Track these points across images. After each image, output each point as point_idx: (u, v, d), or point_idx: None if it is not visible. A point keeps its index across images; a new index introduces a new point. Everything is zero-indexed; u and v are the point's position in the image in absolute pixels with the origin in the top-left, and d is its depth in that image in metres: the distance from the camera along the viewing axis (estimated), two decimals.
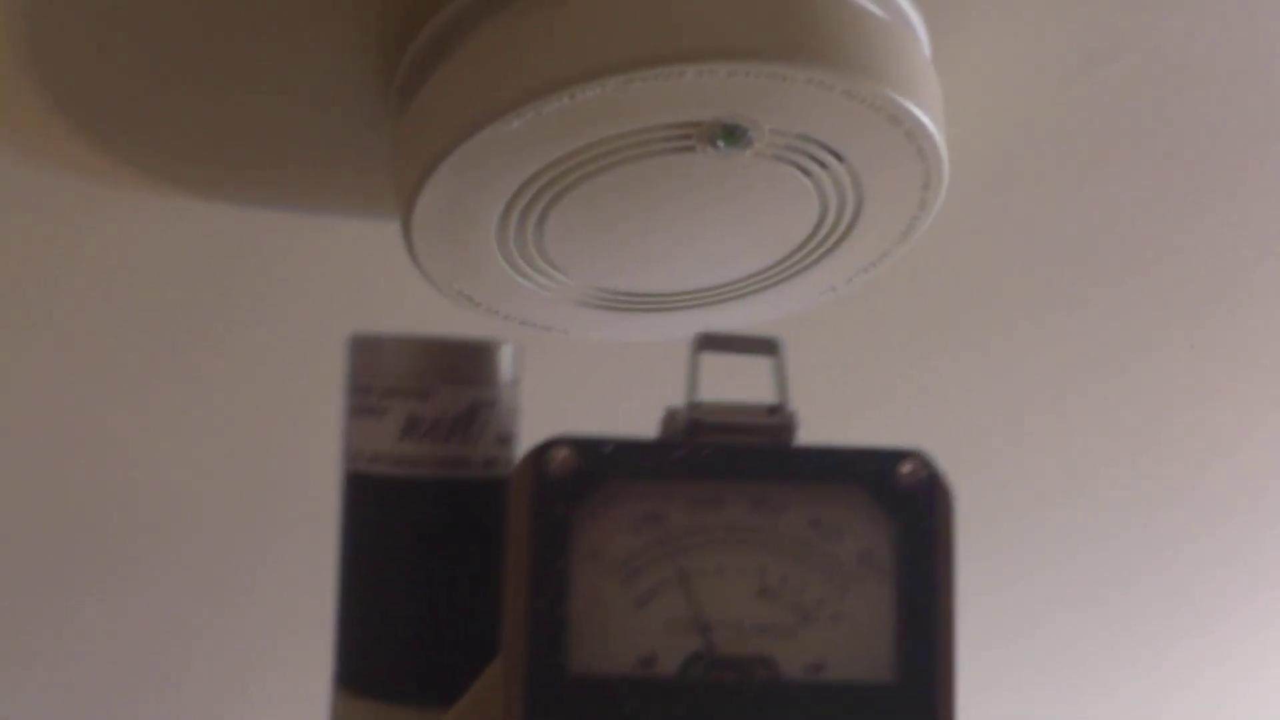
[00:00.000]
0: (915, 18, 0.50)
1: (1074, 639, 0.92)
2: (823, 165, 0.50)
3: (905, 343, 0.70)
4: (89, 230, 0.61)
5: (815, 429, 0.45)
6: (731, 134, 0.47)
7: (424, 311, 0.55)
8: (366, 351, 0.45)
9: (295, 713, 0.84)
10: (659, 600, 0.42)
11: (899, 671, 0.41)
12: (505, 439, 0.46)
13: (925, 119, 0.47)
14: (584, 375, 0.68)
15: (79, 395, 0.68)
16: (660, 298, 0.58)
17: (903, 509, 0.42)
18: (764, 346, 0.46)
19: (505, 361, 0.46)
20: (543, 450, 0.41)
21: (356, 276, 0.65)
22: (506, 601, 0.41)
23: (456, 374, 0.45)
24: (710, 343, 0.46)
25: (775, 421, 0.43)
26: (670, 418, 0.44)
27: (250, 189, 0.60)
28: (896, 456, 0.42)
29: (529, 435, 0.45)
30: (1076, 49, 0.56)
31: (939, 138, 0.48)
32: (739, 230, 0.54)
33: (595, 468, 0.41)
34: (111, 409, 0.69)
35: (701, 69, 0.44)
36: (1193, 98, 0.59)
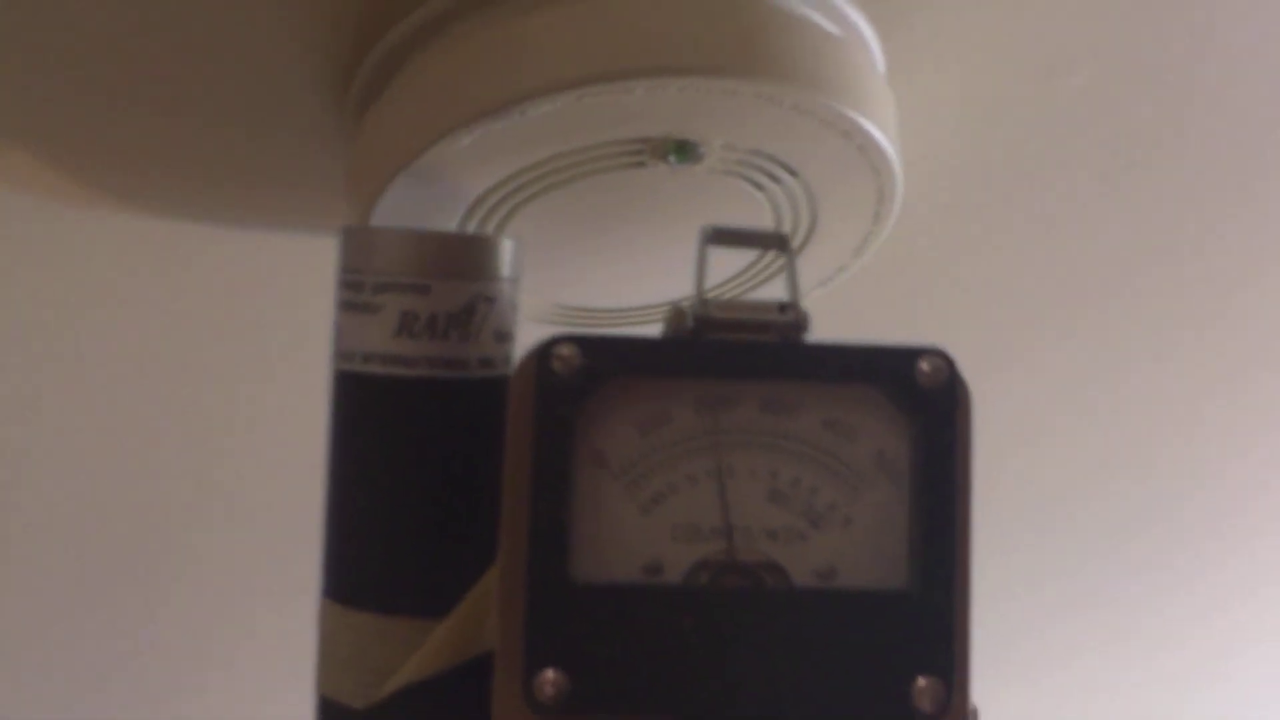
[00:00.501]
0: (869, 33, 0.50)
1: (1076, 639, 0.93)
2: (775, 180, 0.50)
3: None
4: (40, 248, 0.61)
5: None
6: (683, 149, 0.48)
7: None
8: (359, 243, 0.43)
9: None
10: (665, 505, 0.40)
11: (913, 579, 0.40)
12: (504, 337, 0.44)
13: (877, 133, 0.47)
14: None
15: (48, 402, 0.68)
16: (617, 313, 0.58)
17: (920, 410, 0.40)
18: (774, 241, 0.44)
19: (506, 255, 0.44)
20: (546, 348, 0.40)
21: (311, 290, 0.64)
22: (505, 507, 0.40)
23: (455, 268, 0.43)
24: (719, 236, 0.44)
25: (786, 319, 0.42)
26: (676, 315, 0.42)
27: (205, 207, 0.60)
28: (915, 354, 0.40)
29: None
30: (1034, 61, 0.55)
31: (892, 152, 0.48)
32: (693, 245, 0.53)
33: (601, 366, 0.40)
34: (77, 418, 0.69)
35: (651, 85, 0.44)
36: (1151, 108, 0.59)
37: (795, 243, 0.53)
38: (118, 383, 0.67)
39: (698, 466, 0.40)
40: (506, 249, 0.44)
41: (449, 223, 0.50)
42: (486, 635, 0.42)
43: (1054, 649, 0.92)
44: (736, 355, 0.40)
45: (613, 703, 0.39)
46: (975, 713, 0.42)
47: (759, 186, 0.50)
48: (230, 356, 0.67)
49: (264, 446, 0.72)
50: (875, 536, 0.40)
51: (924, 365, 0.40)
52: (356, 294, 0.43)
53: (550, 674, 0.39)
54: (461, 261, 0.43)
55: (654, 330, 0.57)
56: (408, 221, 0.49)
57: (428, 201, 0.48)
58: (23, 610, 0.77)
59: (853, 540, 0.40)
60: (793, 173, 0.50)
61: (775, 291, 0.55)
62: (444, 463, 0.43)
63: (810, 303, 0.53)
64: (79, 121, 0.53)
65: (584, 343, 0.40)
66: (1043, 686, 0.94)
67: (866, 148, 0.48)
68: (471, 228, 0.50)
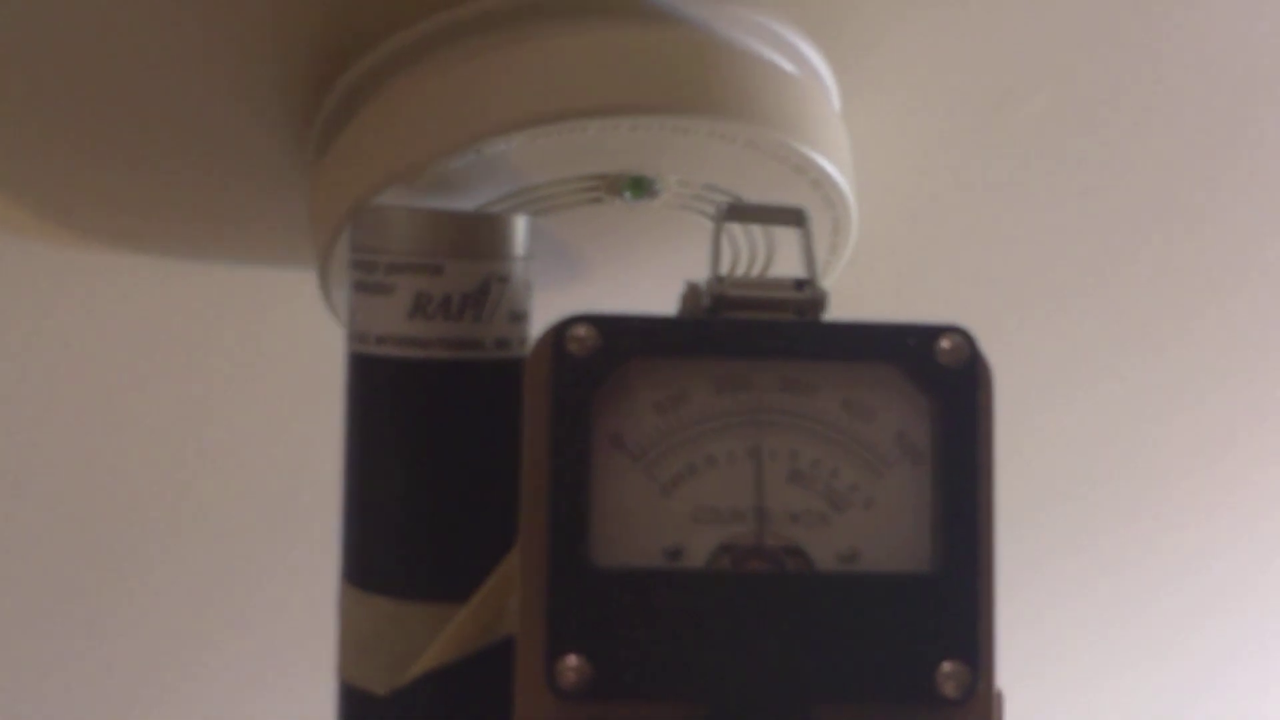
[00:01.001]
0: (824, 69, 0.51)
1: (1074, 626, 0.93)
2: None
3: None
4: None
5: None
6: (638, 185, 0.48)
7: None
8: (371, 223, 0.43)
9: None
10: (685, 487, 0.40)
11: (936, 561, 0.39)
12: (519, 316, 0.43)
13: (830, 168, 0.47)
14: None
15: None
16: None
17: (941, 388, 0.40)
18: (791, 217, 0.43)
19: (519, 234, 0.43)
20: (562, 328, 0.39)
21: (274, 324, 0.65)
22: (524, 491, 0.39)
23: (468, 247, 0.42)
24: (735, 212, 0.44)
25: (804, 296, 0.41)
26: (691, 293, 0.42)
27: (170, 244, 0.60)
28: (935, 332, 0.40)
29: None
30: (988, 92, 0.56)
31: (845, 185, 0.49)
32: (652, 277, 0.53)
33: (618, 346, 0.39)
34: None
35: (604, 124, 0.44)
36: (1104, 132, 0.59)
37: (753, 274, 0.54)
38: (101, 394, 0.68)
39: (717, 448, 0.40)
40: (520, 227, 0.43)
41: None
42: (508, 620, 0.41)
43: (1055, 634, 0.92)
44: (754, 334, 0.40)
45: (635, 688, 0.39)
46: (1000, 697, 0.41)
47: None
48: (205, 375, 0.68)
49: (241, 458, 0.72)
50: (897, 518, 0.40)
51: (944, 343, 0.40)
52: (369, 274, 0.42)
53: (572, 659, 0.38)
54: (475, 241, 0.42)
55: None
56: None
57: None
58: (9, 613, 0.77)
59: (875, 522, 0.40)
60: None
61: None
62: (460, 445, 0.43)
63: None
64: (45, 162, 0.54)
65: (600, 322, 0.39)
66: (1047, 673, 0.94)
67: (820, 182, 0.48)
68: None
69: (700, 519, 0.40)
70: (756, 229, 0.51)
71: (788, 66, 0.48)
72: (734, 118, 0.45)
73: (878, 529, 0.40)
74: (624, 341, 0.39)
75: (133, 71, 0.49)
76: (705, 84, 0.45)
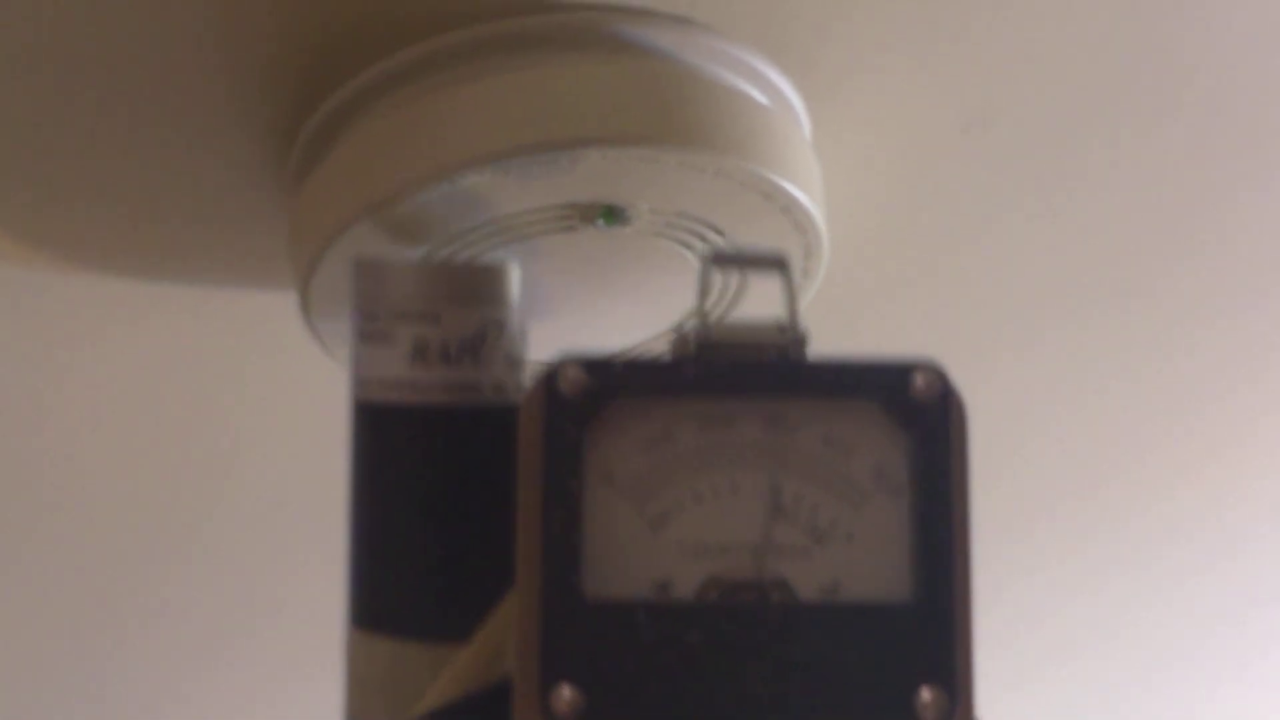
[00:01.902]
0: (794, 97, 0.52)
1: (1067, 637, 0.93)
2: (704, 239, 0.52)
3: None
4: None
5: None
6: (611, 213, 0.50)
7: (321, 382, 0.57)
8: (372, 276, 0.45)
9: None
10: (673, 522, 0.41)
11: (915, 590, 0.41)
12: (515, 362, 0.45)
13: (798, 194, 0.49)
14: None
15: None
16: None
17: (916, 423, 0.41)
18: (773, 263, 0.45)
19: (514, 282, 0.45)
20: (554, 369, 0.41)
21: (253, 348, 0.67)
22: (519, 526, 0.41)
23: (465, 295, 0.44)
24: (720, 259, 0.46)
25: (786, 338, 0.43)
26: (680, 338, 0.44)
27: (154, 268, 0.61)
28: (908, 369, 0.41)
29: None
30: (955, 117, 0.57)
31: (815, 211, 0.50)
32: (628, 302, 0.56)
33: (607, 386, 0.41)
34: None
35: (575, 155, 0.46)
36: (1072, 152, 0.61)
37: (727, 299, 0.55)
38: (118, 407, 0.69)
39: (704, 484, 0.41)
40: (514, 275, 0.45)
41: None
42: (508, 658, 0.43)
43: (1045, 646, 0.92)
44: (737, 374, 0.41)
45: (627, 716, 0.40)
46: None
47: (688, 246, 0.52)
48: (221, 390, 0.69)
49: (248, 473, 0.73)
50: (877, 550, 0.41)
51: (918, 378, 0.41)
52: (371, 324, 0.44)
53: (565, 689, 0.40)
54: (470, 289, 0.44)
55: None
56: (344, 289, 0.50)
57: None
58: (26, 617, 0.78)
59: (855, 554, 0.41)
60: (720, 233, 0.51)
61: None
62: (460, 487, 0.44)
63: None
64: (27, 191, 0.55)
65: (590, 365, 0.41)
66: (1035, 685, 0.94)
67: (790, 208, 0.49)
68: None
69: (688, 552, 0.41)
70: (722, 242, 0.52)
71: (758, 96, 0.50)
72: (702, 147, 0.46)
73: (858, 560, 0.41)
74: (613, 382, 0.41)
75: (109, 110, 0.50)
76: (674, 115, 0.46)
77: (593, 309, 0.57)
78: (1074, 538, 0.85)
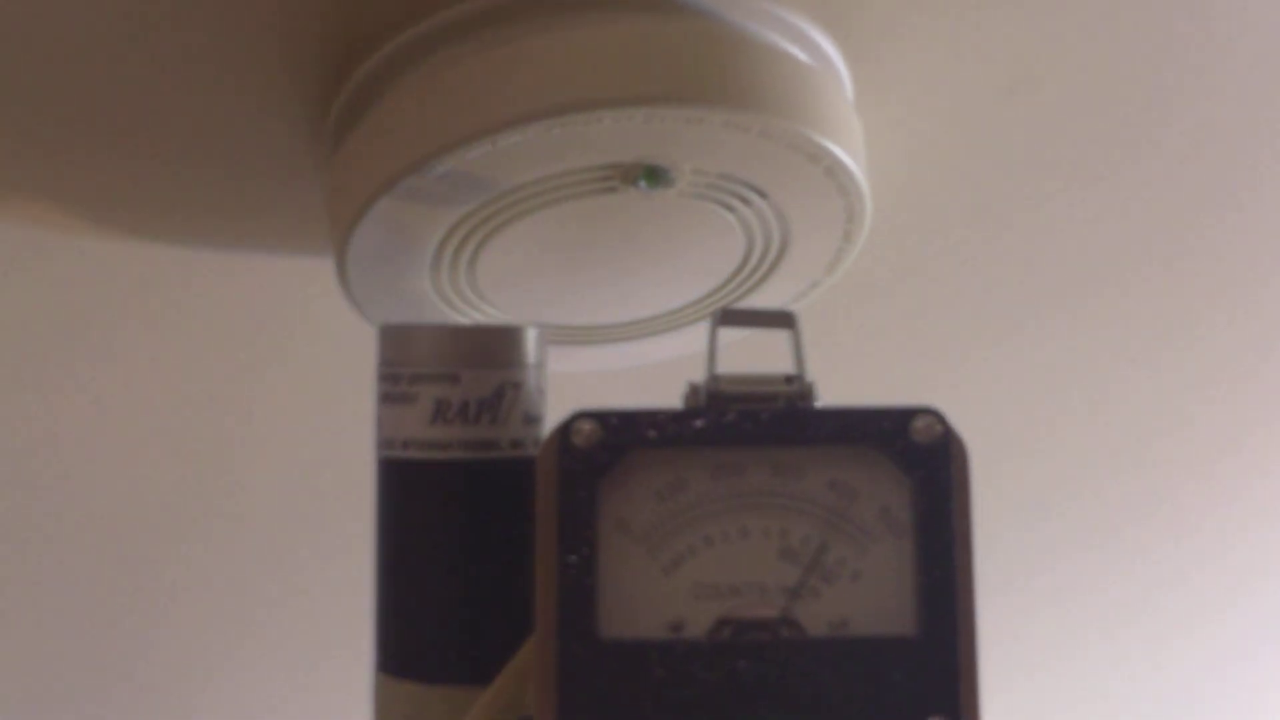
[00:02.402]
0: (836, 58, 0.52)
1: (1065, 637, 0.93)
2: (746, 202, 0.52)
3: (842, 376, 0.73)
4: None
5: None
6: (653, 175, 0.49)
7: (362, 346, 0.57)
8: (395, 340, 0.47)
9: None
10: (685, 566, 0.43)
11: (921, 625, 0.42)
12: (532, 420, 0.47)
13: (843, 155, 0.49)
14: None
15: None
16: (594, 330, 0.60)
17: (917, 466, 0.43)
18: (781, 320, 0.47)
19: (530, 344, 0.47)
20: (568, 424, 0.43)
21: (292, 312, 0.67)
22: (538, 573, 0.43)
23: (483, 357, 0.46)
24: (729, 318, 0.47)
25: (793, 390, 0.45)
26: (692, 392, 0.45)
27: (192, 233, 0.62)
28: (909, 414, 0.43)
29: None
30: (998, 81, 0.57)
31: (859, 173, 0.50)
32: (668, 265, 0.56)
33: (619, 439, 0.43)
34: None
35: (618, 115, 0.46)
36: (1114, 121, 0.61)
37: (767, 262, 0.55)
38: (129, 396, 0.70)
39: (714, 529, 0.43)
40: (531, 338, 0.47)
41: (426, 249, 0.52)
42: (528, 700, 0.44)
43: (1042, 647, 0.92)
44: (745, 424, 0.43)
45: None
46: None
47: (730, 209, 0.52)
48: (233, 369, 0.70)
49: (267, 454, 0.74)
50: (883, 587, 0.43)
51: (918, 424, 0.43)
52: (394, 386, 0.46)
53: None
54: (489, 351, 0.46)
55: (638, 344, 0.59)
56: (384, 249, 0.50)
57: (404, 229, 0.51)
58: (31, 616, 0.79)
59: (862, 593, 0.43)
60: (763, 195, 0.51)
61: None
62: (481, 538, 0.46)
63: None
64: (70, 155, 0.56)
65: (603, 417, 0.43)
66: (1034, 685, 0.94)
67: (834, 170, 0.49)
68: (449, 252, 0.52)
69: (700, 594, 0.43)
70: (771, 214, 0.52)
71: (801, 56, 0.50)
72: (748, 107, 0.47)
73: (865, 598, 0.43)
74: (625, 434, 0.43)
75: (149, 69, 0.50)
76: (719, 74, 0.46)
77: (633, 274, 0.57)
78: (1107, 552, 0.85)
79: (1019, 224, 0.67)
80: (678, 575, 0.43)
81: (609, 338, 0.61)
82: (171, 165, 0.56)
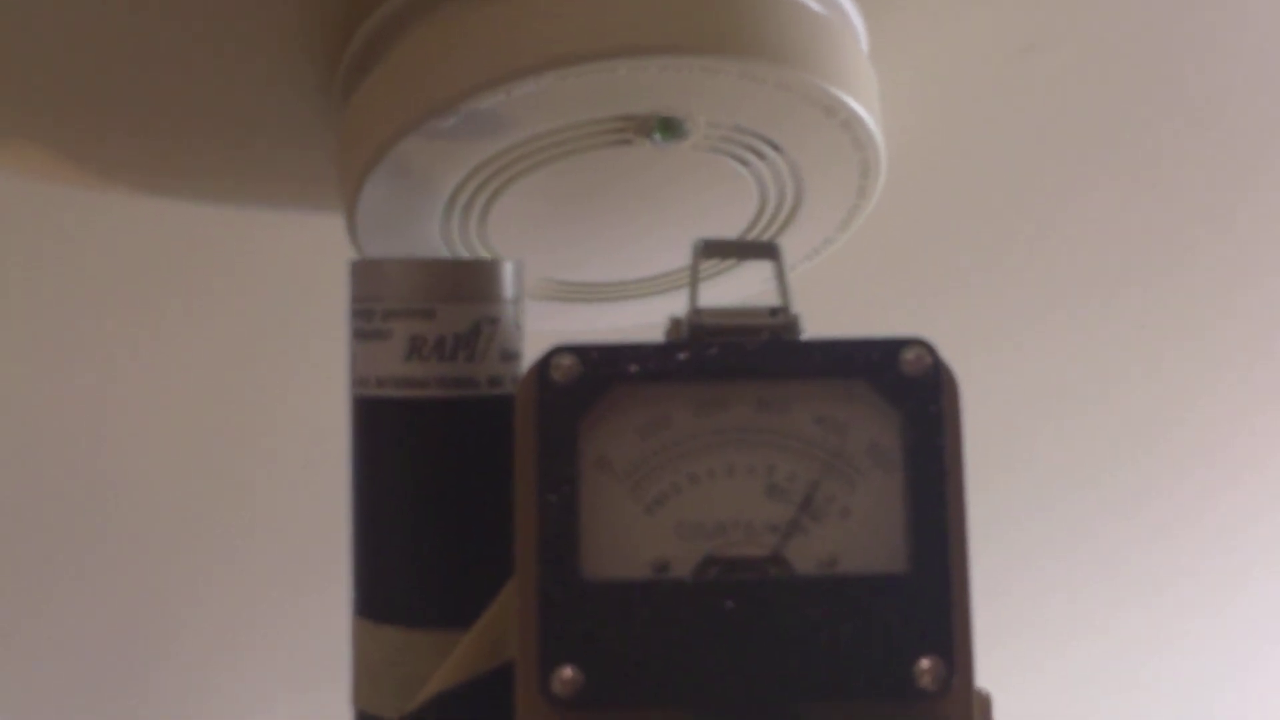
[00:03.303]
0: (852, 11, 0.51)
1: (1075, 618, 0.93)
2: (760, 156, 0.51)
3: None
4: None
5: None
6: (667, 127, 0.48)
7: None
8: (367, 274, 0.45)
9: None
10: (669, 505, 0.42)
11: (911, 562, 0.41)
12: (510, 356, 0.46)
13: (859, 109, 0.48)
14: None
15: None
16: (606, 287, 0.59)
17: (907, 399, 0.42)
18: (764, 251, 0.46)
19: (508, 278, 0.46)
20: (546, 359, 0.42)
21: (304, 267, 0.66)
22: (517, 512, 0.42)
23: (458, 291, 0.45)
24: (711, 249, 0.46)
25: (778, 322, 0.43)
26: (674, 326, 0.44)
27: (199, 187, 0.61)
28: (898, 345, 0.42)
29: None
30: (1015, 39, 0.57)
31: (874, 127, 0.49)
32: (681, 220, 0.54)
33: (600, 373, 0.41)
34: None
35: (633, 64, 0.45)
36: (1130, 84, 0.60)
37: (781, 217, 0.54)
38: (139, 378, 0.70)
39: (699, 466, 0.42)
40: (508, 271, 0.46)
41: (437, 201, 0.51)
42: (510, 643, 0.43)
43: (1054, 627, 0.92)
44: (728, 357, 0.42)
45: (627, 696, 0.41)
46: (988, 700, 0.43)
47: (744, 162, 0.51)
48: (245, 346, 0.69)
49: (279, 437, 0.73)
50: (873, 525, 0.42)
51: (907, 355, 0.42)
52: (367, 322, 0.45)
53: (566, 670, 0.40)
54: (464, 285, 0.45)
55: (649, 301, 0.58)
56: (395, 201, 0.49)
57: (415, 180, 0.50)
58: (37, 611, 0.79)
59: (851, 530, 0.42)
60: (777, 149, 0.50)
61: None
62: (459, 479, 0.45)
63: (799, 276, 0.54)
64: (78, 110, 0.55)
65: (582, 352, 0.42)
66: (1044, 669, 0.94)
67: (850, 123, 0.48)
68: (460, 205, 0.51)
69: (685, 533, 0.42)
70: (785, 169, 0.52)
71: (817, 7, 0.49)
72: (765, 58, 0.46)
73: (854, 536, 0.42)
74: (606, 369, 0.42)
75: (155, 23, 0.50)
76: (735, 25, 0.45)
77: (645, 229, 0.56)
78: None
79: (1030, 180, 0.66)
80: (662, 514, 0.42)
81: (620, 295, 0.60)
82: (179, 116, 0.55)
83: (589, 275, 0.58)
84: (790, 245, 0.55)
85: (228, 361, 0.71)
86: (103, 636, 0.81)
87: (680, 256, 0.55)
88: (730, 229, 0.55)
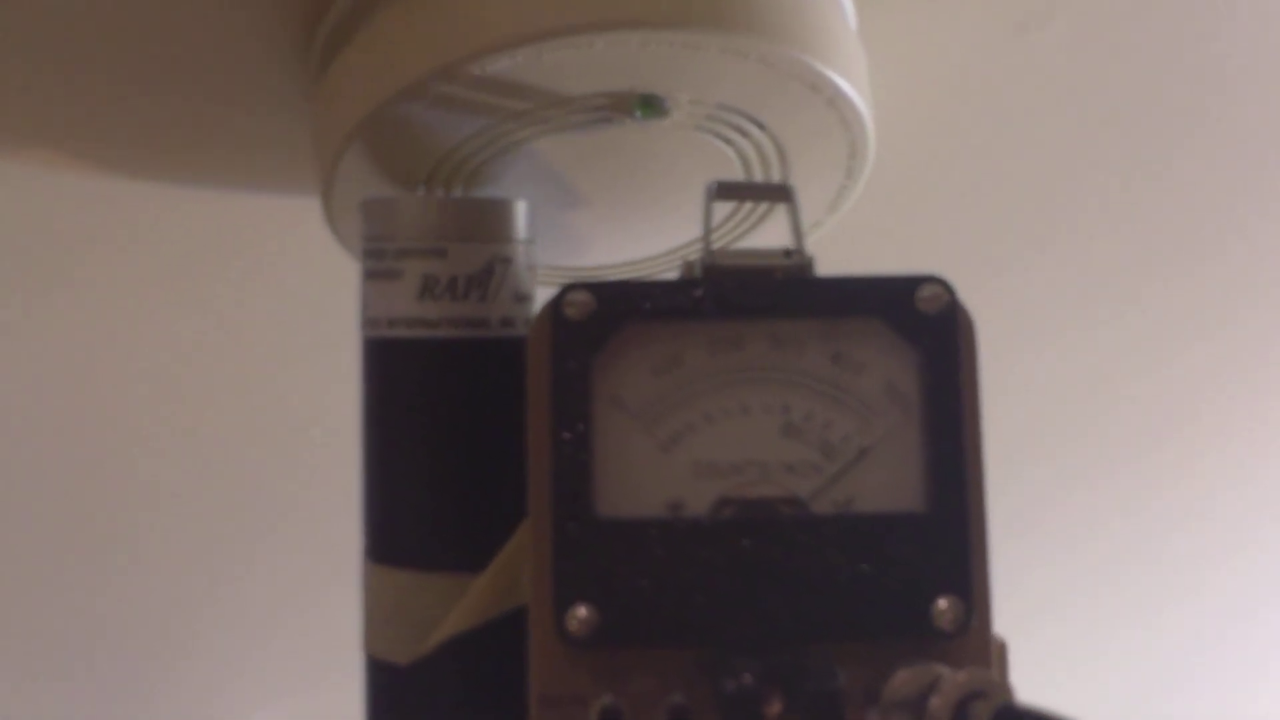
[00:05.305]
0: None
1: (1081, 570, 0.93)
2: (745, 134, 0.50)
3: None
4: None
5: None
6: (649, 104, 0.47)
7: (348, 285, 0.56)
8: (379, 213, 0.45)
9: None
10: (684, 443, 0.41)
11: (929, 502, 0.41)
12: (522, 297, 0.45)
13: (846, 86, 0.47)
14: None
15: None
16: (589, 271, 0.58)
17: (923, 337, 0.41)
18: (778, 193, 0.45)
19: (520, 218, 0.45)
20: (561, 295, 0.41)
21: (280, 250, 0.66)
22: (530, 452, 0.41)
23: (471, 231, 0.44)
24: (725, 191, 0.46)
25: (791, 263, 0.43)
26: (687, 268, 0.44)
27: (172, 169, 0.61)
28: (914, 283, 0.41)
29: None
30: (1007, 16, 0.56)
31: (862, 106, 0.48)
32: (664, 201, 0.54)
33: (614, 310, 0.41)
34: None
35: (612, 39, 0.44)
36: (1123, 63, 0.60)
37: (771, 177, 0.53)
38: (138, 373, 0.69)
39: (713, 405, 0.41)
40: (521, 211, 0.45)
41: (413, 180, 0.50)
42: (522, 586, 0.43)
43: (1060, 577, 0.92)
44: (743, 295, 0.42)
45: (642, 634, 0.40)
46: (1004, 646, 0.43)
47: (728, 141, 0.51)
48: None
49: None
50: (890, 464, 0.41)
51: (924, 293, 0.41)
52: (379, 262, 0.45)
53: (580, 608, 0.40)
54: (477, 225, 0.44)
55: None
56: (368, 184, 0.49)
57: (390, 161, 0.49)
58: (43, 610, 0.78)
59: (868, 469, 0.41)
60: (762, 127, 0.50)
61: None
62: (471, 420, 0.45)
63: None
64: (44, 88, 0.54)
65: (597, 289, 0.41)
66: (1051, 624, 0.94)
67: (836, 101, 0.48)
68: (438, 186, 0.51)
69: (700, 473, 0.41)
70: (771, 148, 0.51)
71: None
72: (746, 33, 0.45)
73: (871, 475, 0.41)
74: (620, 306, 0.41)
75: None
76: None
77: (627, 212, 0.55)
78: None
79: (1022, 158, 0.66)
80: (676, 453, 0.41)
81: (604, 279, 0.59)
82: (151, 92, 0.55)
83: (570, 259, 0.58)
84: (777, 228, 0.54)
85: (248, 358, 0.71)
86: (120, 635, 0.81)
87: (663, 240, 0.56)
88: (715, 212, 0.54)
